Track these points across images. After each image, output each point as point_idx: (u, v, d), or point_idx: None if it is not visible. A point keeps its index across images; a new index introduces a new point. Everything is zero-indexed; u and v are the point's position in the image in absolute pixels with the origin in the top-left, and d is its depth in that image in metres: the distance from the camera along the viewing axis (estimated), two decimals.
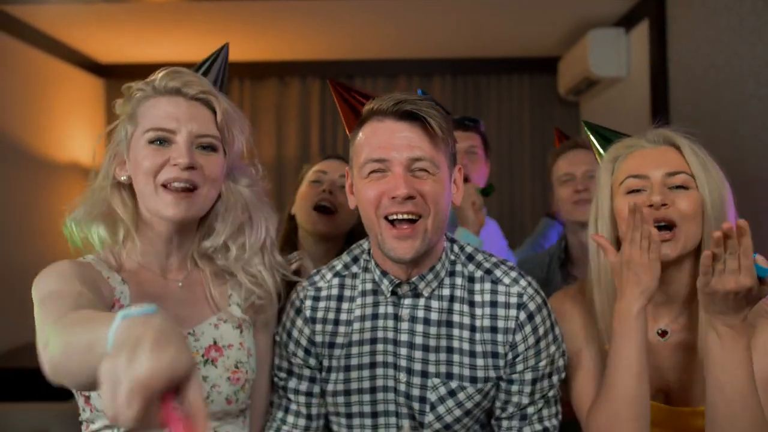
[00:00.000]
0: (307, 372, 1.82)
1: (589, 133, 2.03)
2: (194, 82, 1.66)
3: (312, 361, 1.81)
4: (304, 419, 1.82)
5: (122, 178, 1.67)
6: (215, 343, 1.67)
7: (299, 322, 1.82)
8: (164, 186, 1.59)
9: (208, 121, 1.65)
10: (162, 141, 1.60)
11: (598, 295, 1.81)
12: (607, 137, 1.98)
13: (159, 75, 1.67)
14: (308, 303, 1.83)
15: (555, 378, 1.74)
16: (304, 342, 1.81)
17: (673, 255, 1.68)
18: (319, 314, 1.81)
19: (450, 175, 1.73)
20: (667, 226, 1.69)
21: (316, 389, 1.82)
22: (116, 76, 5.75)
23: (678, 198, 1.70)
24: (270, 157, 5.77)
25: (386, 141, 1.64)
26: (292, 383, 1.82)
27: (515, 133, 5.77)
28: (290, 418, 1.83)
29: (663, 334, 1.80)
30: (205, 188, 1.63)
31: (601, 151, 1.97)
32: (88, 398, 1.60)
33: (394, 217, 1.64)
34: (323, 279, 1.86)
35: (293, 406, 1.83)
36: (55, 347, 1.13)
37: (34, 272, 1.74)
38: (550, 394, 1.75)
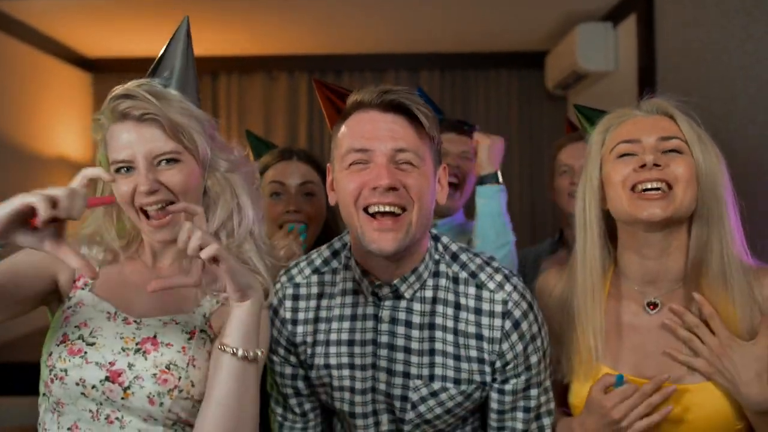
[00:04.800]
0: (288, 370, 1.79)
1: (579, 115, 2.02)
2: (137, 104, 1.65)
3: (293, 359, 1.78)
4: (300, 417, 1.82)
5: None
6: (155, 336, 1.64)
7: (277, 323, 1.78)
8: (143, 211, 1.64)
9: (161, 138, 1.66)
10: (125, 171, 1.64)
11: (581, 274, 1.78)
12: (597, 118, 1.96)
13: (108, 98, 1.68)
14: (288, 303, 1.78)
15: (542, 387, 1.74)
16: (283, 341, 1.78)
17: (662, 215, 1.63)
18: (300, 315, 1.77)
19: (434, 172, 1.67)
20: (660, 188, 1.65)
21: (301, 385, 1.79)
22: (103, 71, 5.72)
23: (672, 161, 1.66)
24: None
25: (369, 131, 1.59)
26: (282, 381, 1.81)
27: (503, 128, 5.75)
28: (289, 415, 1.82)
29: (653, 306, 1.76)
30: (180, 204, 1.64)
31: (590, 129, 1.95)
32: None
33: (375, 209, 1.57)
34: (301, 274, 1.80)
35: (289, 401, 1.82)
36: None
37: None
38: (542, 398, 1.74)
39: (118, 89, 1.69)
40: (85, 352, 1.61)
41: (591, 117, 1.97)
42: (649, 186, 1.64)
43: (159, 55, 1.85)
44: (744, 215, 1.77)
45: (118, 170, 1.65)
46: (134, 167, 1.64)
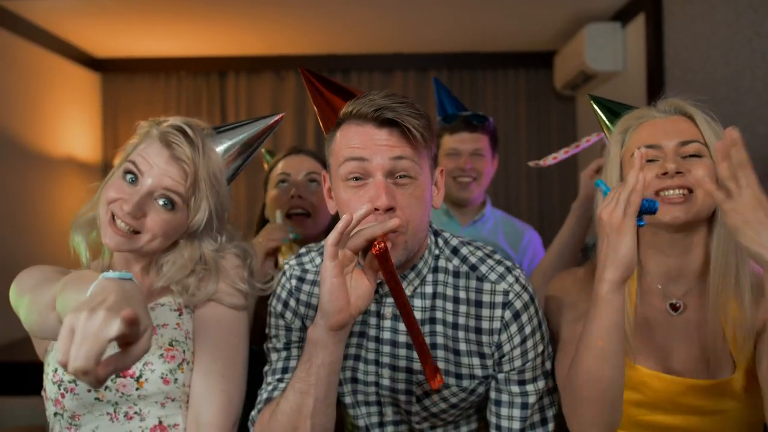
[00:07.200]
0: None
1: (595, 106, 2.02)
2: (186, 144, 1.70)
3: (304, 334, 1.79)
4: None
5: None
6: None
7: (293, 298, 1.82)
8: (113, 219, 1.66)
9: (179, 178, 1.69)
10: (132, 179, 1.68)
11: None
12: (614, 110, 1.97)
13: (169, 120, 1.74)
14: (293, 282, 1.82)
15: (541, 383, 1.72)
16: (302, 311, 1.80)
17: (685, 218, 1.65)
18: (303, 296, 1.80)
19: (431, 177, 1.68)
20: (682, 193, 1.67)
21: None
22: (112, 70, 5.74)
23: (693, 166, 1.67)
24: None
25: (366, 142, 1.59)
26: (296, 341, 1.80)
27: (511, 128, 5.76)
28: (288, 375, 1.77)
29: (675, 308, 1.77)
30: (146, 236, 1.68)
31: (609, 124, 1.96)
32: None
33: None
34: (312, 262, 1.84)
35: (293, 363, 1.78)
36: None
37: (29, 266, 1.74)
38: (544, 401, 1.74)
39: (180, 119, 1.75)
40: None
41: (610, 108, 1.98)
42: (671, 192, 1.67)
43: (240, 123, 1.92)
44: None
45: (125, 173, 1.69)
46: (139, 181, 1.67)
